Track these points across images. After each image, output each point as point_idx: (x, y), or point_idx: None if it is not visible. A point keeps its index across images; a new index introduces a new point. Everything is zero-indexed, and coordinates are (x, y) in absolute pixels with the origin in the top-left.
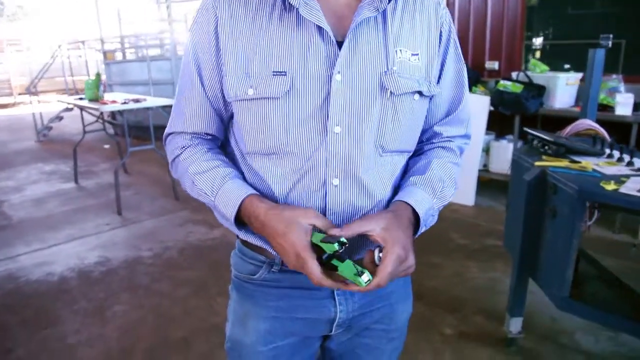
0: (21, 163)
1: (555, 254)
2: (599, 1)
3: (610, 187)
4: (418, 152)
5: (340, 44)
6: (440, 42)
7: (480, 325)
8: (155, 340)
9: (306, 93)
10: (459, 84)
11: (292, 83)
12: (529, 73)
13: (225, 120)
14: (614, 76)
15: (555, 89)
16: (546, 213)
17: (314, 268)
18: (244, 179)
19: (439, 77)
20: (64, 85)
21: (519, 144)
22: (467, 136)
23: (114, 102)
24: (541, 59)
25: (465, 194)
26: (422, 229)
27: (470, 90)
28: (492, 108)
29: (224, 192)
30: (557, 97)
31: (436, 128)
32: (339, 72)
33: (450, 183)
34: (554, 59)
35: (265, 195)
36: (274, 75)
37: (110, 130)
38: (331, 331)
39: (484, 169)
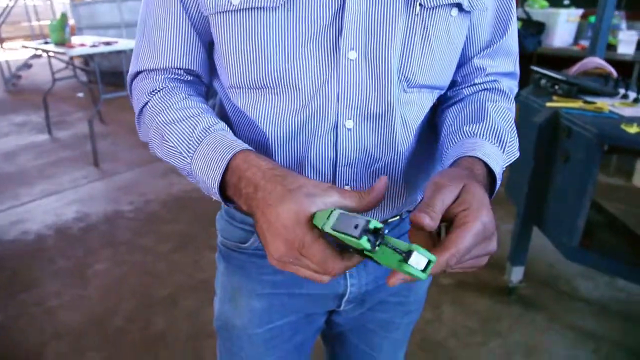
0: None
1: (565, 202)
2: None
3: (633, 129)
4: (454, 99)
5: None
6: None
7: (479, 274)
8: (139, 299)
9: (313, 2)
10: (504, 1)
11: None
12: (527, 9)
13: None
14: (617, 13)
15: (555, 26)
16: (557, 158)
17: (326, 253)
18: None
19: None
20: (30, 30)
21: None
22: (515, 75)
23: (82, 45)
24: None
25: None
26: (495, 193)
27: None
28: None
29: (205, 149)
30: (556, 35)
31: (477, 61)
32: None
33: (514, 134)
34: None
35: (255, 145)
36: None
37: (84, 78)
38: (340, 307)
39: None
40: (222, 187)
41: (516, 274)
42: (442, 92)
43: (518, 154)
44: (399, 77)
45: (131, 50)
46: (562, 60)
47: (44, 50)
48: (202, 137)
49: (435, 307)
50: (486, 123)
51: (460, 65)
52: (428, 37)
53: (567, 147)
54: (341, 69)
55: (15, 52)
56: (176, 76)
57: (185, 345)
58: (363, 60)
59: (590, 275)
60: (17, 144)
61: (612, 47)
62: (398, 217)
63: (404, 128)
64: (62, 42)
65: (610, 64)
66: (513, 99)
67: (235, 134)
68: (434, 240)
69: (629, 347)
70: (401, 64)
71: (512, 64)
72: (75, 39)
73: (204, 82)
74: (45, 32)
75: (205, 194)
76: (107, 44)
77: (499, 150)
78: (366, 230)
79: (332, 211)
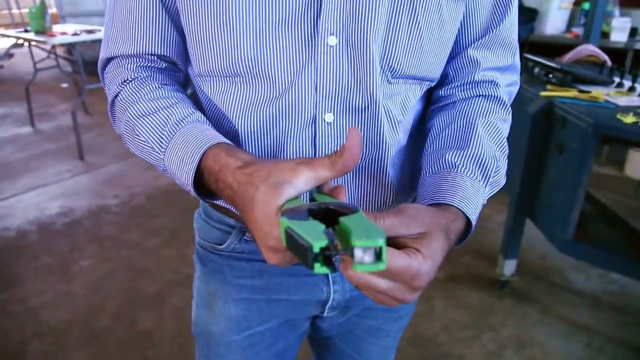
0: None
1: (559, 193)
2: None
3: (630, 119)
4: (445, 101)
5: None
6: None
7: (470, 267)
8: (125, 296)
9: None
10: None
11: None
12: None
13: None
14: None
15: (547, 12)
16: (551, 148)
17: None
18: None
19: None
20: (10, 18)
21: None
22: (514, 68)
23: (64, 33)
24: None
25: None
26: (467, 239)
27: None
28: None
29: (176, 145)
30: (549, 22)
31: (471, 52)
32: None
33: (502, 156)
34: None
35: (228, 137)
36: None
37: (68, 68)
38: (323, 313)
39: None
40: (200, 183)
41: (509, 267)
42: (432, 84)
43: (503, 183)
44: (382, 67)
45: None
46: (554, 48)
47: (24, 39)
48: (174, 132)
49: (427, 301)
50: (471, 150)
51: (453, 55)
52: (417, 22)
53: (562, 137)
54: (319, 56)
55: None
56: (150, 63)
57: (172, 343)
58: (344, 46)
59: (583, 267)
60: None
61: (604, 35)
62: None
63: (389, 122)
64: (43, 31)
65: (603, 51)
66: (510, 106)
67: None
68: None
69: (622, 340)
70: (385, 51)
71: (510, 56)
72: (56, 28)
73: (180, 69)
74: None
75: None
76: (90, 32)
77: (482, 185)
78: (316, 257)
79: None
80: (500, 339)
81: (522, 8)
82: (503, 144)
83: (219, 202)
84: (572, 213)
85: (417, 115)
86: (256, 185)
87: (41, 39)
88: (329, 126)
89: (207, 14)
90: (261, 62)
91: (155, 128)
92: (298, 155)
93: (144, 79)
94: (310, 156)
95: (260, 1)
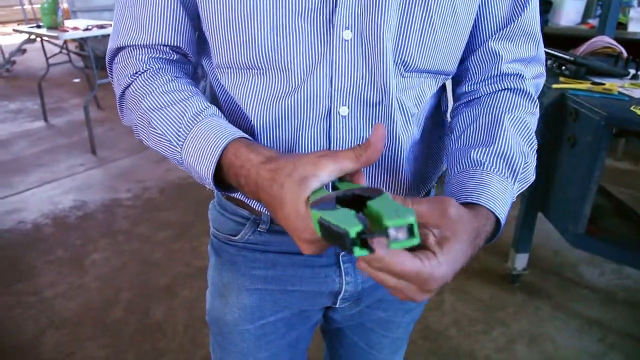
0: None
1: (571, 187)
2: None
3: None
4: (470, 96)
5: None
6: None
7: (482, 261)
8: (138, 289)
9: None
10: None
11: None
12: None
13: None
14: None
15: (562, 4)
16: (563, 142)
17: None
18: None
19: None
20: (23, 14)
21: None
22: (539, 59)
23: (75, 29)
24: None
25: None
26: (500, 233)
27: None
28: None
29: (195, 139)
30: (563, 14)
31: (493, 44)
32: None
33: (531, 151)
34: None
35: (243, 129)
36: None
37: (79, 63)
38: (335, 304)
39: None
40: (219, 176)
41: (520, 261)
42: (448, 77)
43: (533, 178)
44: (395, 61)
45: None
46: (569, 40)
47: (36, 35)
48: (192, 125)
49: (437, 295)
50: (497, 147)
51: (473, 49)
52: (429, 14)
53: (574, 130)
54: (335, 50)
55: (8, 37)
56: (161, 55)
57: (184, 335)
58: (359, 41)
59: (596, 262)
60: (12, 131)
61: (622, 26)
62: None
63: (403, 116)
64: (55, 26)
65: (620, 43)
66: (537, 99)
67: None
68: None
69: (636, 335)
70: (397, 45)
71: (534, 47)
72: (68, 23)
73: (191, 62)
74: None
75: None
76: (101, 27)
77: (510, 182)
78: (353, 241)
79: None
80: (510, 333)
81: None
82: (531, 139)
83: (235, 195)
84: (584, 207)
85: (432, 110)
86: (281, 183)
87: (53, 34)
88: (344, 119)
89: (226, 6)
90: (279, 55)
91: (172, 121)
92: (313, 148)
93: (156, 71)
94: (324, 148)
95: None
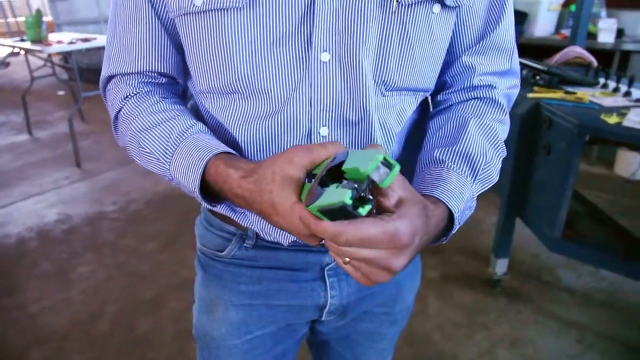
0: None
1: (547, 193)
2: None
3: (613, 120)
4: (442, 105)
5: None
6: None
7: (464, 267)
8: (124, 301)
9: (280, 1)
10: None
11: None
12: None
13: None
14: (596, 1)
15: (536, 15)
16: (539, 149)
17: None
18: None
19: None
20: (6, 27)
21: None
22: (513, 73)
23: (59, 42)
24: None
25: None
26: (455, 230)
27: None
28: None
29: (181, 154)
30: (537, 25)
31: (466, 59)
32: None
33: (495, 153)
34: None
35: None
36: None
37: (64, 75)
38: (321, 317)
39: None
40: (208, 189)
41: (501, 266)
42: (427, 94)
43: (496, 180)
44: (375, 80)
45: None
46: (543, 49)
47: (20, 48)
48: (178, 142)
49: (421, 300)
50: (459, 147)
51: (449, 64)
52: (407, 36)
53: (549, 138)
54: (313, 72)
55: None
56: (150, 79)
57: (171, 347)
58: (337, 62)
59: (574, 265)
60: None
61: (592, 36)
62: None
63: (384, 135)
64: (39, 40)
65: (590, 52)
66: (507, 108)
67: None
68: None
69: (612, 335)
70: (377, 65)
71: (507, 61)
72: (52, 36)
73: (179, 83)
74: (22, 28)
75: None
76: (86, 40)
77: (469, 181)
78: (352, 189)
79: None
80: (493, 337)
81: None
82: (498, 144)
83: (221, 210)
84: (560, 212)
85: (412, 126)
86: (269, 190)
87: (37, 48)
88: (324, 140)
89: (205, 36)
90: (258, 80)
91: (159, 140)
92: None
93: (145, 94)
94: None
95: (255, 22)
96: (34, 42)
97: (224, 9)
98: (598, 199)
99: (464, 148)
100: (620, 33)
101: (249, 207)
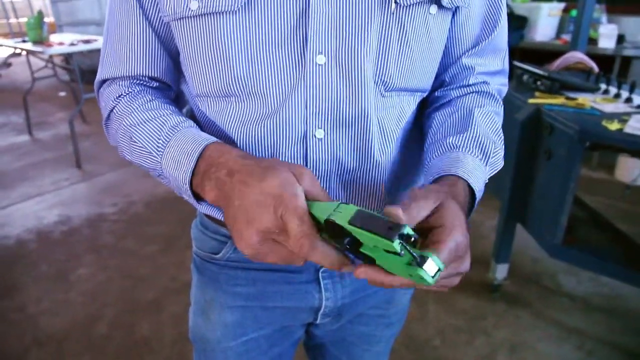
0: None
1: (548, 199)
2: None
3: (614, 126)
4: (442, 101)
5: None
6: None
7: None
8: (123, 304)
9: (274, 4)
10: None
11: None
12: (509, 3)
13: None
14: (597, 6)
15: (537, 20)
16: (540, 155)
17: (321, 246)
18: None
19: None
20: (8, 28)
21: None
22: (504, 73)
23: (61, 43)
24: None
25: None
26: (474, 211)
27: None
28: None
29: (173, 147)
30: (538, 29)
31: (465, 60)
32: None
33: (499, 141)
34: None
35: None
36: None
37: (65, 76)
38: (316, 320)
39: None
40: (193, 183)
41: (501, 272)
42: (425, 94)
43: (502, 164)
44: (375, 81)
45: None
46: (544, 54)
47: (21, 49)
48: (171, 135)
49: (421, 305)
50: (470, 133)
51: (448, 65)
52: (406, 37)
53: (550, 144)
54: (309, 74)
55: None
56: (142, 82)
57: (171, 350)
58: (333, 64)
59: (574, 270)
60: None
61: (593, 41)
62: None
63: (381, 135)
64: (40, 41)
65: (591, 58)
66: (501, 101)
67: None
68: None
69: (612, 342)
70: (377, 66)
71: (500, 61)
72: (54, 37)
73: (172, 88)
74: (24, 29)
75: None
76: (87, 41)
77: (482, 164)
78: (401, 235)
79: (339, 204)
80: (492, 342)
81: (512, 16)
82: (498, 131)
83: (213, 214)
84: (561, 218)
85: (410, 127)
86: (266, 167)
87: (39, 49)
88: (320, 142)
89: (201, 39)
90: (254, 82)
91: (151, 134)
92: None
93: (137, 93)
94: None
95: (250, 25)
96: (35, 43)
97: (219, 13)
98: (598, 205)
99: (475, 134)
100: (620, 39)
101: (229, 177)
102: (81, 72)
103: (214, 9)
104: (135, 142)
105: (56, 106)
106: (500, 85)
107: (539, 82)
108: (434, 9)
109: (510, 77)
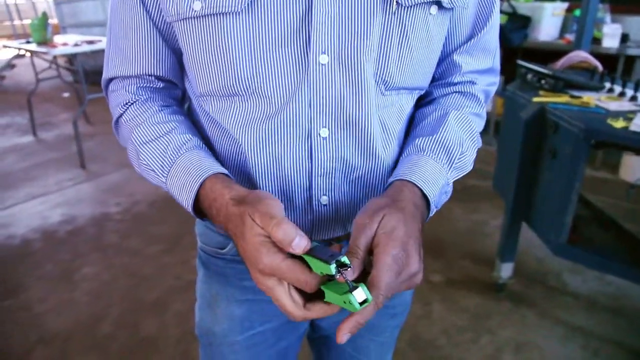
0: None
1: (553, 198)
2: None
3: (619, 124)
4: (427, 98)
5: None
6: None
7: (468, 271)
8: (128, 303)
9: (277, 5)
10: None
11: None
12: (513, 3)
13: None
14: (601, 6)
15: (540, 19)
16: (544, 153)
17: (285, 301)
18: (208, 145)
19: None
20: (12, 30)
21: (500, 79)
22: (493, 71)
23: (65, 44)
24: None
25: None
26: (432, 213)
27: None
28: None
29: (177, 171)
30: (542, 29)
31: (455, 57)
32: None
33: (471, 144)
34: None
35: (228, 153)
36: None
37: (69, 77)
38: None
39: None
40: (198, 206)
41: (506, 270)
42: (422, 92)
43: (471, 168)
44: (376, 80)
45: None
46: (548, 54)
47: (26, 50)
48: (174, 159)
49: (425, 304)
50: (439, 136)
51: (439, 61)
52: (406, 37)
53: (554, 142)
54: (312, 74)
55: None
56: (148, 84)
57: (175, 349)
58: (336, 64)
59: (579, 269)
60: (1, 146)
61: (597, 41)
62: None
63: (383, 133)
64: (44, 42)
65: (595, 57)
66: (484, 103)
67: (208, 139)
68: (364, 273)
69: (618, 341)
70: (378, 66)
71: (490, 60)
72: (57, 38)
73: (177, 86)
74: (28, 31)
75: None
76: (91, 42)
77: (445, 167)
78: (337, 261)
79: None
80: (498, 341)
81: (515, 15)
82: (473, 135)
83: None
84: (565, 217)
85: (408, 122)
86: (248, 228)
87: (43, 50)
88: (325, 141)
89: (204, 40)
90: (258, 82)
91: (156, 155)
92: (297, 168)
93: (144, 101)
94: (307, 169)
95: (253, 26)
96: (39, 44)
97: (222, 14)
98: (602, 204)
99: (442, 137)
100: (624, 38)
101: (227, 224)
102: (85, 73)
103: (217, 9)
104: (141, 160)
105: (60, 107)
106: (488, 84)
107: (543, 81)
108: (434, 9)
109: (514, 76)
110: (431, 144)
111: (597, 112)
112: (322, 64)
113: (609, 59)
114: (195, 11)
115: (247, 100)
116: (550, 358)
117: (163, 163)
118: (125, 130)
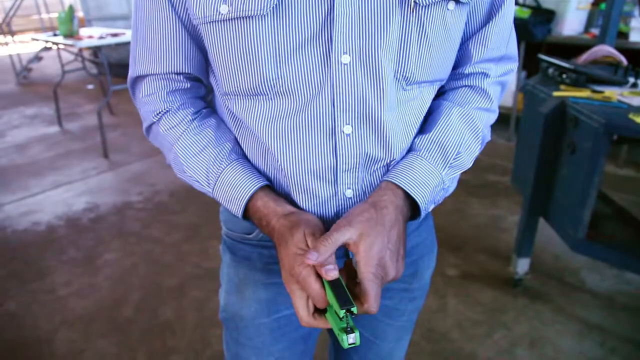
0: (1, 107)
1: (572, 193)
2: None
3: None
4: (440, 90)
5: None
6: None
7: (484, 265)
8: (148, 289)
9: (301, 8)
10: None
11: None
12: None
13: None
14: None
15: (565, 13)
16: (564, 148)
17: (300, 305)
18: (237, 142)
19: None
20: (40, 23)
21: (523, 74)
22: (509, 58)
23: (90, 37)
24: None
25: None
26: (428, 210)
27: None
28: None
29: (223, 184)
30: (566, 23)
31: (470, 45)
32: None
33: (474, 141)
34: None
35: (253, 149)
36: None
37: (94, 70)
38: None
39: None
40: (246, 213)
41: (522, 266)
42: (443, 82)
43: (469, 165)
44: (396, 77)
45: None
46: (572, 49)
47: (53, 43)
48: (219, 171)
49: (440, 297)
50: (436, 133)
51: None
52: (425, 34)
53: (574, 137)
54: (335, 73)
55: (26, 45)
56: (176, 85)
57: (193, 334)
58: (357, 63)
59: (597, 267)
60: (28, 135)
61: (623, 35)
62: None
63: (404, 127)
64: (71, 35)
65: (621, 52)
66: (501, 94)
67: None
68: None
69: (636, 340)
70: (398, 63)
71: (504, 46)
72: (83, 31)
73: (203, 83)
74: (55, 24)
75: None
76: (115, 35)
77: (439, 166)
78: (348, 309)
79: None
80: (512, 336)
81: (539, 9)
82: (477, 131)
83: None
84: (584, 212)
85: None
86: (288, 239)
87: (69, 42)
88: (348, 137)
89: (230, 42)
90: (283, 82)
91: (201, 168)
92: (322, 165)
93: (176, 111)
94: (332, 164)
95: (278, 28)
96: (66, 36)
97: (249, 17)
98: (625, 202)
99: (440, 136)
100: None
101: (272, 234)
102: (109, 65)
103: (243, 13)
104: (185, 172)
105: (85, 98)
106: (503, 73)
107: (564, 75)
108: (451, 4)
109: (537, 72)
110: (427, 142)
111: (619, 107)
112: (344, 64)
113: (636, 54)
114: (221, 14)
115: (272, 99)
116: (565, 354)
117: (208, 176)
118: (163, 140)
